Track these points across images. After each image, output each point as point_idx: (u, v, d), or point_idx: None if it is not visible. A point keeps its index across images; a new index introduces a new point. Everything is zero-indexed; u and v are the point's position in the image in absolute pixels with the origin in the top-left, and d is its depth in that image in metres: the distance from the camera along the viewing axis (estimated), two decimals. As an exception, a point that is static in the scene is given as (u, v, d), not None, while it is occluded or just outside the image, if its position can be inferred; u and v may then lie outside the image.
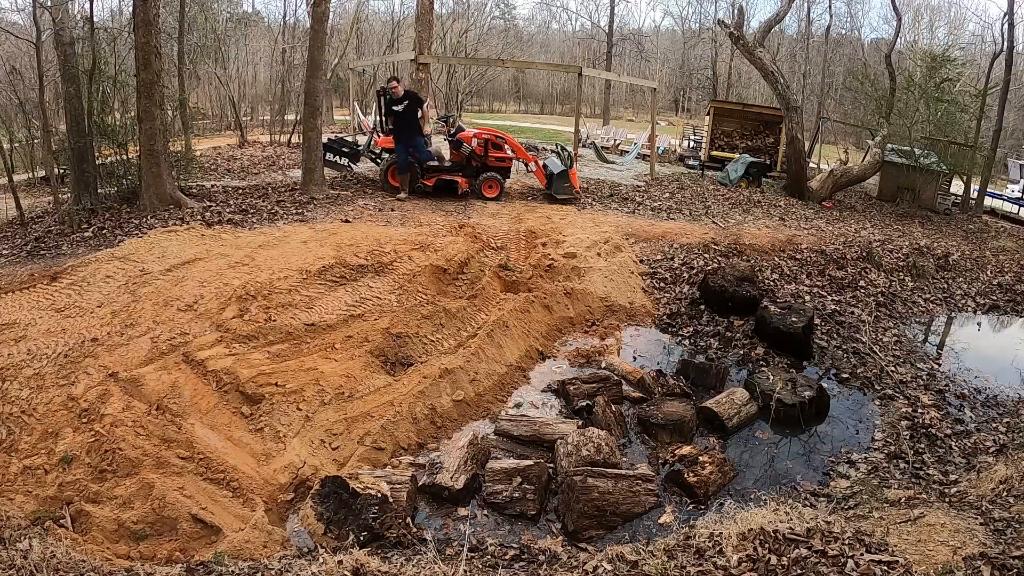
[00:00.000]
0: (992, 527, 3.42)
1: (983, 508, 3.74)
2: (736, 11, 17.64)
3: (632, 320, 7.28)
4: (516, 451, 4.78)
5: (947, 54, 17.60)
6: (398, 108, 9.39)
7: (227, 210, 8.61)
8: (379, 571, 3.08)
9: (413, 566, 3.19)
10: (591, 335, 6.83)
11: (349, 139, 12.13)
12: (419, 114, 9.65)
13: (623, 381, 5.85)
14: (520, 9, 76.82)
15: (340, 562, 3.09)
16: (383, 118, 11.16)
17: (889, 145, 15.92)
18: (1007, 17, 16.43)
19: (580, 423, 5.01)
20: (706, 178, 15.35)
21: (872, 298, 8.34)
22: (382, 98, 11.27)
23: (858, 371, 6.48)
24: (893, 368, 6.50)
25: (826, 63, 25.94)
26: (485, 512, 4.18)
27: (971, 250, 11.43)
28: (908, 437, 5.30)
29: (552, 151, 14.10)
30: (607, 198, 11.65)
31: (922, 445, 5.18)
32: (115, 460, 4.01)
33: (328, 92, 21.41)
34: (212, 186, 10.04)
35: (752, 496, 4.31)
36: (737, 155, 16.19)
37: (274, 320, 5.57)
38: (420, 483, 4.27)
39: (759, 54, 14.48)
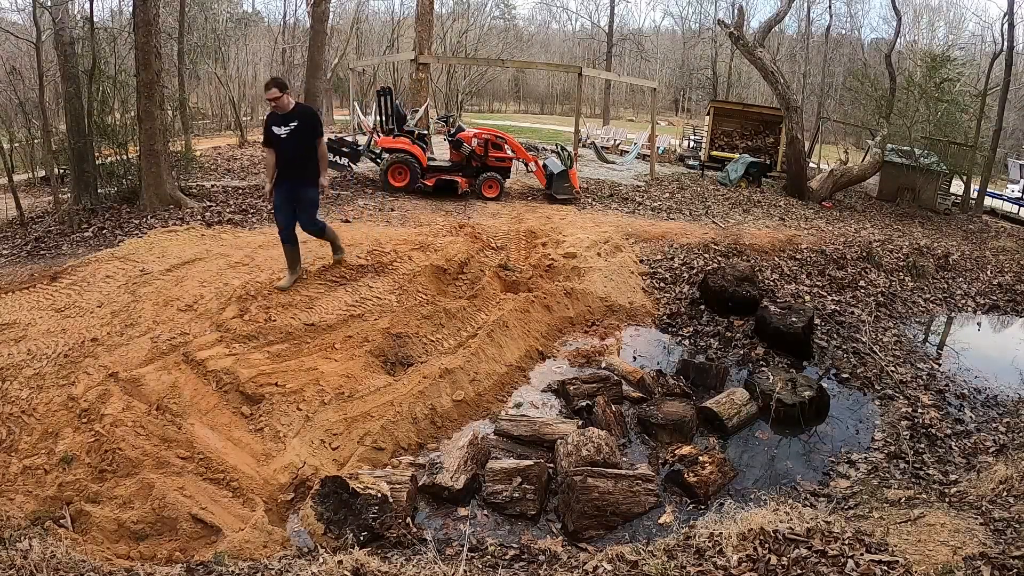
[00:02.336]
0: (992, 527, 3.42)
1: (983, 508, 3.74)
2: (736, 11, 17.64)
3: (632, 320, 7.28)
4: (516, 451, 4.78)
5: (947, 54, 17.63)
6: (281, 131, 5.72)
7: (227, 210, 8.61)
8: (379, 571, 3.07)
9: (413, 566, 3.19)
10: (591, 335, 6.83)
11: (349, 139, 12.14)
12: (317, 146, 5.88)
13: (623, 381, 5.85)
14: (520, 9, 76.86)
15: (340, 562, 3.09)
16: (382, 118, 11.19)
17: (889, 145, 15.93)
18: (1007, 17, 16.45)
19: (580, 423, 5.00)
20: (706, 178, 15.36)
21: (872, 298, 8.34)
22: (383, 98, 11.30)
23: (858, 371, 6.48)
24: (893, 368, 6.50)
25: (826, 63, 25.95)
26: (485, 512, 4.18)
27: (971, 250, 11.43)
28: (908, 437, 5.30)
29: (552, 151, 14.11)
30: (607, 198, 11.66)
31: (922, 445, 5.18)
32: (115, 460, 4.00)
33: (328, 92, 21.40)
34: (212, 186, 10.04)
35: (752, 496, 4.31)
36: (737, 155, 16.21)
37: (274, 320, 5.57)
38: (420, 483, 4.26)
39: (759, 54, 14.48)
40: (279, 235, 6.04)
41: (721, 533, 3.21)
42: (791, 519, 3.29)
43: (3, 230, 8.00)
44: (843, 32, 32.30)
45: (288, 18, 23.64)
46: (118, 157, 9.17)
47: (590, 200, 11.29)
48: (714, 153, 17.97)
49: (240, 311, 5.59)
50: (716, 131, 18.58)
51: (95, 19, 9.03)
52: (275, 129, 5.74)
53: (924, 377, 6.44)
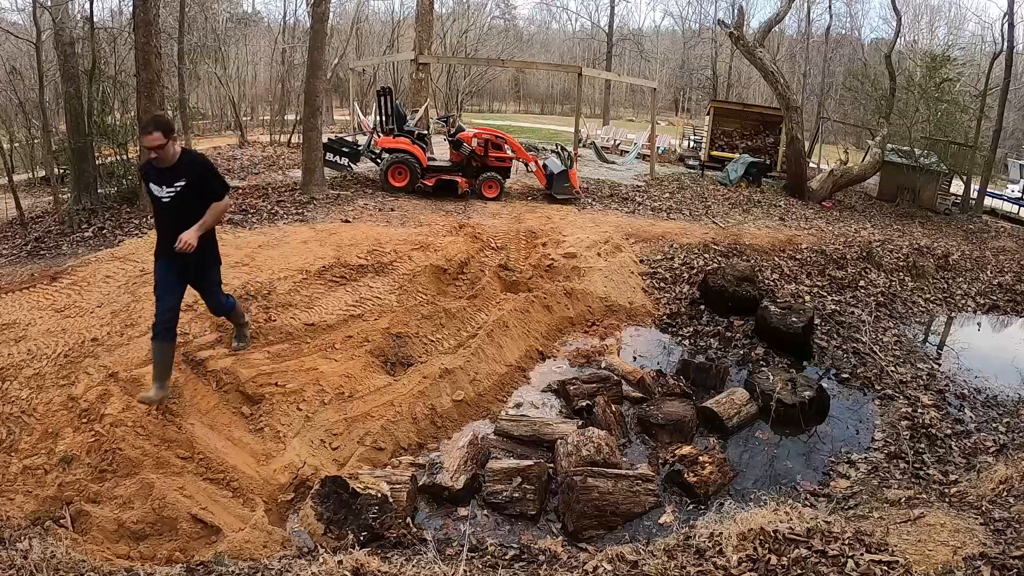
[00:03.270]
0: (992, 527, 3.41)
1: (983, 508, 3.74)
2: (736, 11, 17.64)
3: (632, 320, 7.28)
4: (516, 451, 4.78)
5: (947, 54, 17.61)
6: (162, 192, 4.16)
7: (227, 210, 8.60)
8: (379, 571, 3.07)
9: (413, 566, 3.18)
10: (591, 335, 6.83)
11: (349, 139, 12.14)
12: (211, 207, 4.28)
13: (623, 381, 5.85)
14: (520, 9, 76.87)
15: (340, 562, 3.08)
16: (382, 118, 11.19)
17: (889, 145, 15.93)
18: (1007, 17, 16.45)
19: (580, 423, 5.01)
20: (706, 178, 15.36)
21: (872, 298, 8.34)
22: (383, 98, 11.30)
23: (858, 371, 6.48)
24: (893, 368, 6.50)
25: (826, 63, 25.93)
26: (485, 512, 4.18)
27: (971, 250, 11.43)
28: (908, 437, 5.30)
29: (552, 151, 14.12)
30: (607, 198, 11.66)
31: (922, 445, 5.18)
32: (115, 460, 4.00)
33: (328, 92, 21.43)
34: (212, 186, 10.02)
35: (752, 496, 4.30)
36: (737, 155, 16.20)
37: (274, 320, 5.57)
38: (420, 483, 4.26)
39: (759, 54, 14.48)
40: (152, 327, 4.28)
41: (721, 533, 3.20)
42: (791, 519, 3.29)
43: (3, 230, 8.00)
44: (843, 32, 32.28)
45: (288, 18, 23.63)
46: (118, 157, 9.17)
47: (590, 200, 11.28)
48: (714, 153, 17.97)
49: (240, 311, 5.59)
50: (716, 131, 18.58)
51: (95, 19, 9.04)
52: (154, 188, 4.18)
53: (924, 377, 6.44)
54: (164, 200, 4.19)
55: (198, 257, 4.29)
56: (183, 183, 4.14)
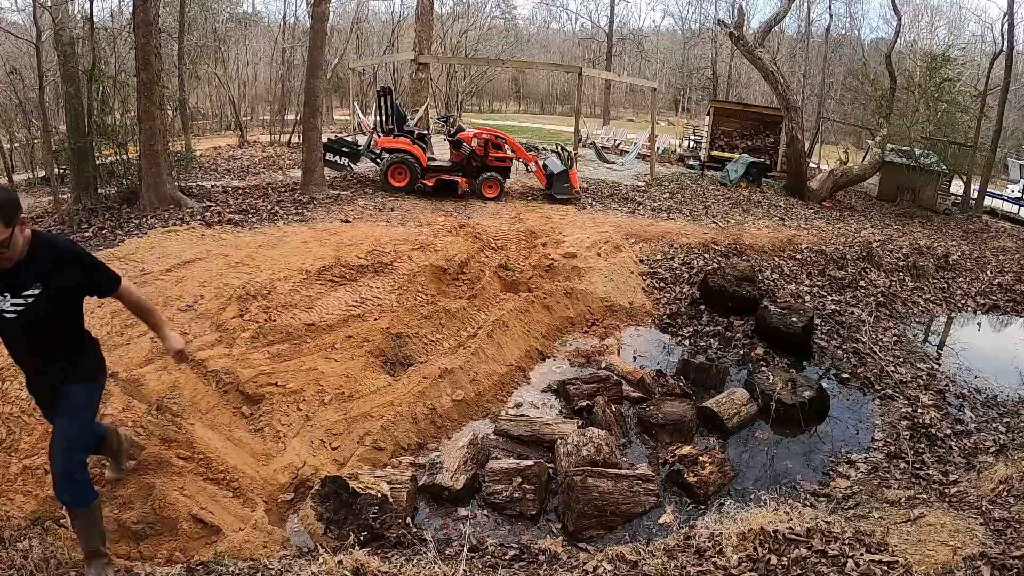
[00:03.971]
0: (992, 527, 3.41)
1: (983, 508, 3.74)
2: (736, 11, 17.64)
3: (632, 320, 7.28)
4: (516, 451, 4.77)
5: (947, 54, 17.61)
6: (4, 306, 2.60)
7: (227, 210, 8.61)
8: (379, 571, 3.07)
9: (413, 566, 3.18)
10: (591, 335, 6.83)
11: (349, 139, 12.15)
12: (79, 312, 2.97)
13: (623, 381, 5.85)
14: (520, 9, 76.91)
15: (340, 562, 3.08)
16: (382, 118, 11.20)
17: (889, 145, 15.93)
18: (1007, 17, 16.47)
19: (580, 423, 5.00)
20: (706, 178, 15.36)
21: (872, 298, 8.34)
22: (383, 98, 11.31)
23: (858, 371, 6.48)
24: (893, 368, 6.50)
25: (826, 63, 25.94)
26: (485, 512, 4.18)
27: (971, 250, 11.43)
28: (908, 437, 5.30)
29: (552, 151, 14.12)
30: (607, 198, 11.66)
31: (922, 445, 5.18)
32: (115, 460, 3.99)
33: (328, 92, 21.44)
34: (212, 186, 10.04)
35: (752, 496, 4.30)
36: (737, 155, 16.21)
37: (274, 320, 5.57)
38: (420, 483, 4.26)
39: (759, 54, 14.49)
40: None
41: (721, 533, 3.20)
42: (791, 519, 3.29)
43: (3, 230, 8.00)
44: (843, 32, 32.30)
45: (288, 18, 23.65)
46: (118, 157, 9.17)
47: (590, 200, 11.29)
48: (714, 153, 17.98)
49: (240, 311, 5.59)
50: (716, 131, 18.59)
51: (95, 19, 9.04)
52: None
53: (924, 377, 6.44)
54: (9, 316, 2.65)
55: (50, 378, 2.89)
56: (38, 292, 2.65)
